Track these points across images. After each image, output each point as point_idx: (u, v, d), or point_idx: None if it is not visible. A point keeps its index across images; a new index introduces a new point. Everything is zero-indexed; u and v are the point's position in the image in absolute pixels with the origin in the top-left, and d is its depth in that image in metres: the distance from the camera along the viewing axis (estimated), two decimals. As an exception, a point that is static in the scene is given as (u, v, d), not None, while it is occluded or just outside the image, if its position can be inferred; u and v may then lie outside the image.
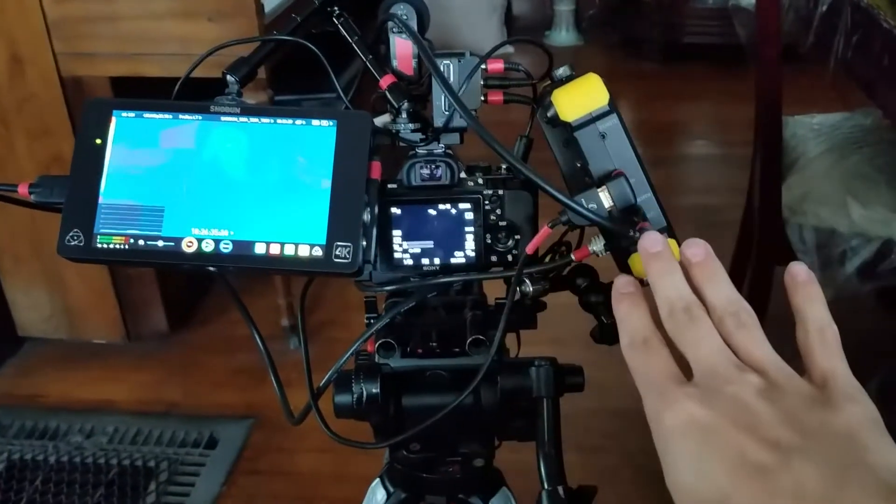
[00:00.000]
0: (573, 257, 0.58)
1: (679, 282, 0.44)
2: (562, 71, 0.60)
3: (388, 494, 0.74)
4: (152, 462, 1.80)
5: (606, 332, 0.61)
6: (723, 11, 3.82)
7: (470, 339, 0.61)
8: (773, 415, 0.38)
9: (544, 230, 0.54)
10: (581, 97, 0.52)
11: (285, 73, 1.93)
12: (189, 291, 2.32)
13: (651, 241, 0.46)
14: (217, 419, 1.92)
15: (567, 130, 0.54)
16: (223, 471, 1.77)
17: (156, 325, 2.19)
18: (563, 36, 4.68)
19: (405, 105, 0.63)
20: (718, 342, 0.41)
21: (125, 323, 2.16)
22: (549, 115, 0.54)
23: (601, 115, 0.52)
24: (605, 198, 0.51)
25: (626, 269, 0.55)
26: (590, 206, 0.51)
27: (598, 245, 0.56)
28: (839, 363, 0.42)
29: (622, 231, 0.49)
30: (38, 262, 2.10)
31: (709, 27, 3.99)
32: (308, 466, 1.79)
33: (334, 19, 0.66)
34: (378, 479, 0.76)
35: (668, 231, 0.53)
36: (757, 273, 1.61)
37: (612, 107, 0.52)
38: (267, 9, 1.79)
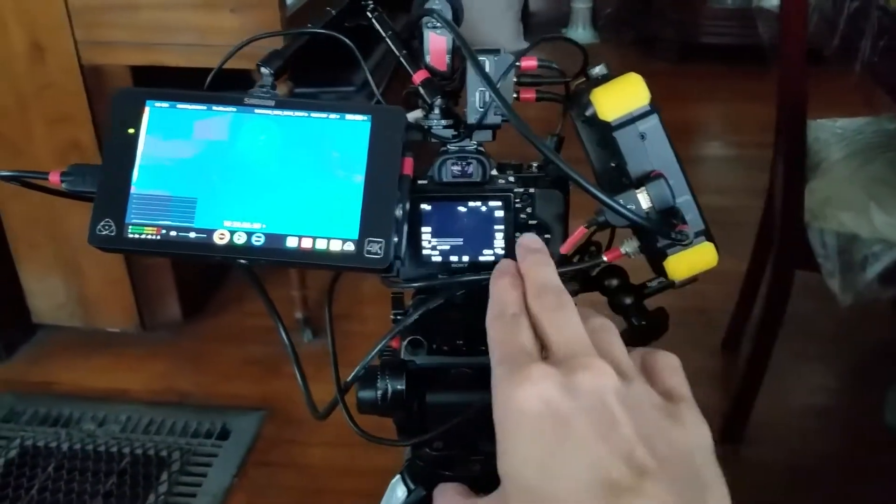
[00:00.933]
0: (605, 258, 0.57)
1: (553, 273, 0.46)
2: (598, 69, 0.59)
3: (409, 491, 0.74)
4: (165, 452, 1.80)
5: (637, 335, 0.60)
6: (739, 12, 3.82)
7: None
8: (631, 425, 0.36)
9: (580, 230, 0.54)
10: (621, 96, 0.52)
11: (302, 65, 1.93)
12: (203, 282, 2.33)
13: (531, 240, 0.50)
14: (229, 410, 1.93)
15: (604, 130, 0.53)
16: (235, 462, 1.78)
17: (170, 314, 2.20)
18: (579, 33, 4.68)
19: (438, 101, 0.63)
20: (582, 330, 0.41)
21: (139, 312, 2.16)
22: (587, 114, 0.54)
23: (642, 115, 0.52)
24: (643, 199, 0.50)
25: (660, 270, 0.54)
26: (628, 206, 0.50)
27: (630, 246, 0.55)
28: (686, 388, 0.41)
29: (664, 233, 0.49)
30: (53, 249, 2.11)
31: (725, 27, 3.98)
32: (320, 459, 1.79)
33: (368, 13, 0.66)
34: (398, 476, 0.76)
35: (706, 234, 0.53)
36: (776, 276, 1.60)
37: (653, 107, 0.52)
38: (289, 0, 1.79)
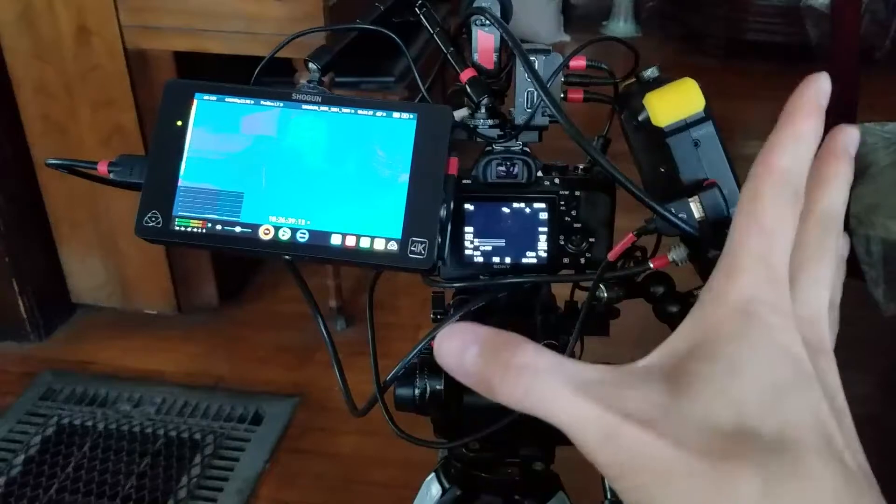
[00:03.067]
0: (651, 265, 0.56)
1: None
2: (650, 72, 0.58)
3: (443, 490, 0.74)
4: (198, 434, 1.82)
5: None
6: (787, 10, 3.74)
7: (542, 344, 0.60)
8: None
9: (629, 237, 0.53)
10: (676, 102, 0.51)
11: (342, 55, 1.93)
12: (240, 267, 2.35)
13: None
14: (263, 395, 1.94)
15: (657, 135, 0.52)
16: (267, 448, 1.79)
17: (206, 298, 2.22)
18: (620, 26, 4.63)
19: (485, 100, 0.62)
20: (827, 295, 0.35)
21: (176, 295, 2.19)
22: (639, 118, 0.53)
23: (696, 122, 0.50)
24: (695, 208, 0.49)
25: (709, 281, 0.53)
26: (679, 215, 0.49)
27: (678, 254, 0.54)
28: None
29: (718, 246, 0.48)
30: (94, 229, 2.13)
31: (772, 25, 3.91)
32: (351, 448, 1.79)
33: (416, 9, 0.65)
34: (433, 474, 0.76)
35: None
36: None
37: (708, 114, 0.51)
38: (332, -10, 1.79)
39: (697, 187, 0.50)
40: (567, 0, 4.62)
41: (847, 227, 1.50)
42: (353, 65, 2.06)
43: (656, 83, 0.56)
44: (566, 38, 4.42)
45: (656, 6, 4.63)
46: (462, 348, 0.31)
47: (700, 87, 0.54)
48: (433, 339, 0.63)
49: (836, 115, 1.46)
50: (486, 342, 0.31)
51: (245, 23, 1.76)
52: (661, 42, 4.46)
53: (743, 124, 3.60)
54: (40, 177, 2.08)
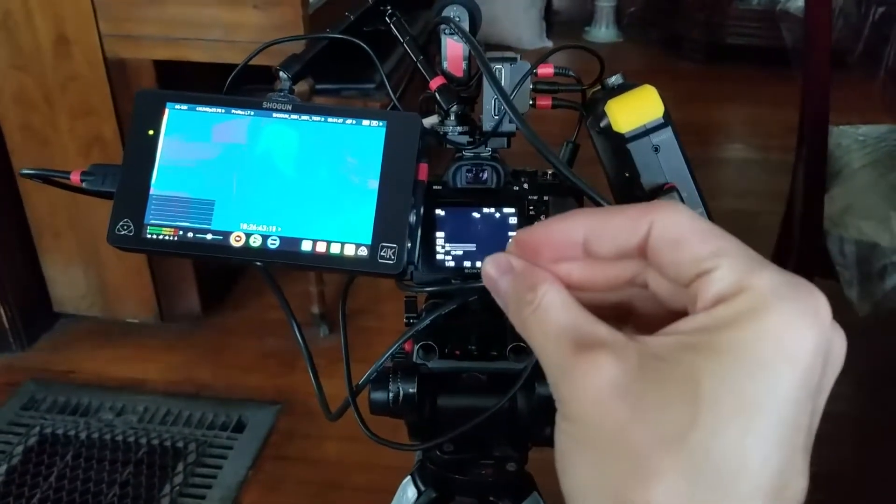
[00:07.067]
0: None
1: None
2: (614, 79, 0.60)
3: (419, 493, 0.75)
4: (181, 443, 1.82)
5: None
6: (767, 14, 3.78)
7: (511, 346, 0.61)
8: None
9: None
10: (636, 109, 0.52)
11: (322, 62, 1.94)
12: (223, 274, 2.35)
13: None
14: (246, 403, 1.94)
15: (618, 141, 0.54)
16: (250, 455, 1.79)
17: (189, 306, 2.22)
18: (602, 32, 4.66)
19: (454, 107, 0.63)
20: None
21: (159, 303, 2.18)
22: (601, 125, 0.54)
23: (655, 128, 0.52)
24: (655, 212, 0.50)
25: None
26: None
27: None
28: None
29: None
30: (76, 239, 2.13)
31: (752, 29, 3.95)
32: (334, 454, 1.80)
33: (387, 18, 0.67)
34: (409, 477, 0.77)
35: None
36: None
37: (667, 119, 0.52)
38: (311, -2, 1.80)
39: (658, 191, 0.51)
40: (549, 6, 4.65)
41: (821, 228, 1.53)
42: (334, 72, 2.07)
43: (620, 90, 0.57)
44: (548, 43, 4.45)
45: (637, 12, 4.67)
46: (498, 276, 0.34)
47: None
48: (405, 342, 0.64)
49: (810, 117, 1.49)
50: (520, 275, 0.34)
51: (224, 31, 1.77)
52: (643, 47, 4.49)
53: (724, 128, 3.63)
54: (21, 186, 2.07)
